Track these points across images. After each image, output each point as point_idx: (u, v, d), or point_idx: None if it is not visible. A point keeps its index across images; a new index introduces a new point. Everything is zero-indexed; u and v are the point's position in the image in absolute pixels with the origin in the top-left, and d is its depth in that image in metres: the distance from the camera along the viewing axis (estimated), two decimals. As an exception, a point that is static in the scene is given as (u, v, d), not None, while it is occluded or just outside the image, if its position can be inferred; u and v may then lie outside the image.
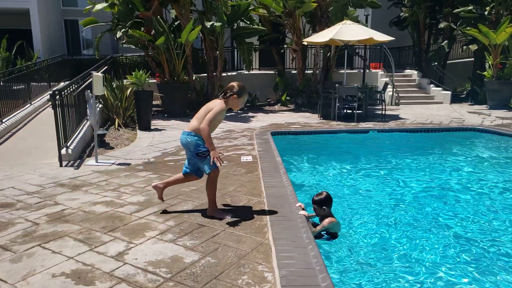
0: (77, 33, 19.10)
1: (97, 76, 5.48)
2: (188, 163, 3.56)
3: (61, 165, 5.39)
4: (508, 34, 11.16)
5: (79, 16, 17.23)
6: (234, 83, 3.46)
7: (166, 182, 3.69)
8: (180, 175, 3.64)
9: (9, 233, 3.20)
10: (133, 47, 11.26)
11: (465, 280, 2.89)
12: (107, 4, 10.79)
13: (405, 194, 4.86)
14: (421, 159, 6.46)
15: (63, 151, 5.58)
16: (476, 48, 13.10)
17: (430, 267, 3.05)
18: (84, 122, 7.33)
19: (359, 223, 3.91)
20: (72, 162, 5.60)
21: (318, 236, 3.45)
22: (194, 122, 3.41)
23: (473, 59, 14.34)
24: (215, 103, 3.43)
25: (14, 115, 8.44)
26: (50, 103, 5.51)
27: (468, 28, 12.22)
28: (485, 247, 3.40)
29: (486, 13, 12.71)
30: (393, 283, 2.84)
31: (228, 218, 3.44)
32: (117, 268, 2.63)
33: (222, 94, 3.45)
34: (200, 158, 3.39)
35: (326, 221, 3.52)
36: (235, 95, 3.40)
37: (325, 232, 3.54)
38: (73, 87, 6.50)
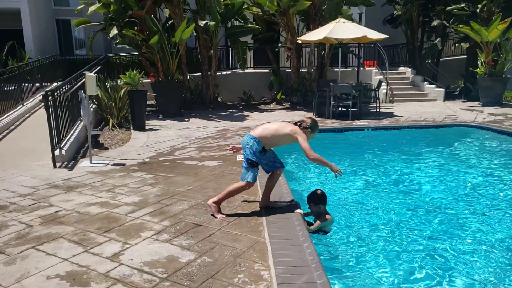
0: (70, 33, 18.92)
1: (90, 76, 5.44)
2: (262, 166, 3.59)
3: (54, 167, 5.34)
4: (499, 31, 11.25)
5: (71, 15, 17.07)
6: (309, 120, 3.55)
7: (264, 194, 3.64)
8: (267, 180, 3.66)
9: (2, 236, 3.16)
10: (127, 46, 11.19)
11: (464, 278, 2.91)
12: (100, 4, 10.70)
13: (401, 191, 4.89)
14: (415, 156, 6.50)
15: (57, 152, 5.53)
16: (467, 46, 13.19)
17: (426, 264, 3.07)
18: (78, 122, 7.27)
19: (355, 220, 3.92)
20: (66, 163, 5.56)
21: (313, 233, 3.45)
22: (264, 131, 3.47)
23: (465, 56, 14.44)
24: (292, 128, 3.46)
25: (6, 116, 8.35)
26: (42, 104, 5.46)
27: (461, 25, 12.30)
28: (486, 242, 3.43)
29: (478, 10, 12.80)
30: (390, 280, 2.85)
31: (222, 218, 3.45)
32: (112, 269, 2.62)
33: (298, 123, 3.55)
34: (248, 165, 3.44)
35: (322, 219, 3.53)
36: (309, 129, 3.50)
37: (320, 230, 3.55)
38: (66, 88, 6.45)
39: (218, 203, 3.53)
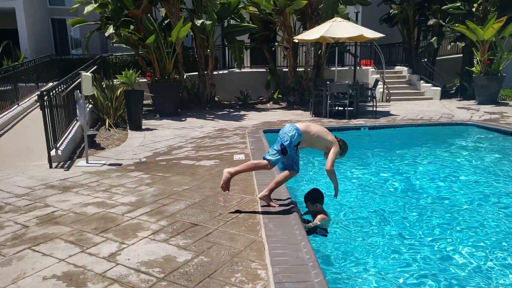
0: (65, 33, 18.83)
1: (86, 76, 5.42)
2: (282, 161, 3.61)
3: (50, 167, 5.32)
4: (495, 30, 11.30)
5: (67, 15, 16.99)
6: (342, 142, 3.65)
7: (268, 188, 3.63)
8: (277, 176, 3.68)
9: (-2, 236, 3.15)
10: (124, 46, 11.16)
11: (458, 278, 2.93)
12: (97, 4, 10.65)
13: (397, 189, 4.90)
14: (412, 154, 6.53)
15: (53, 152, 5.51)
16: (463, 44, 13.25)
17: (421, 262, 3.08)
18: (74, 122, 7.25)
19: (352, 218, 3.93)
20: (62, 163, 5.53)
21: (310, 232, 3.46)
22: (308, 128, 3.52)
23: (461, 55, 14.51)
24: (333, 137, 3.59)
25: (2, 117, 8.30)
26: (38, 104, 5.43)
27: (457, 24, 12.35)
28: (484, 239, 3.45)
29: (474, 9, 12.86)
30: (387, 279, 2.86)
31: (224, 189, 3.52)
32: (109, 269, 2.61)
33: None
34: (279, 149, 3.43)
35: (319, 217, 3.54)
36: (340, 150, 3.59)
37: (317, 228, 3.56)
38: (62, 87, 6.42)
39: (233, 174, 3.53)
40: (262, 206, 3.64)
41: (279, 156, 3.46)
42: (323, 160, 6.02)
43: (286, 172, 3.59)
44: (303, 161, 5.95)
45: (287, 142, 3.42)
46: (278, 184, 3.62)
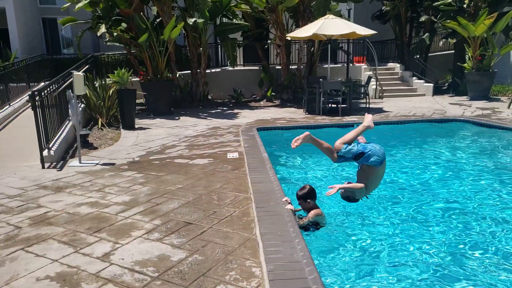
0: (56, 32, 18.63)
1: (78, 75, 5.38)
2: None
3: (43, 167, 5.28)
4: (486, 26, 11.39)
5: (58, 14, 16.81)
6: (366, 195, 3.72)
7: (313, 138, 3.65)
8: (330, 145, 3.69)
9: (-10, 238, 3.12)
10: (117, 44, 11.07)
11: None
12: (87, 1, 10.55)
13: (391, 186, 4.94)
14: (404, 150, 6.58)
15: (45, 152, 5.47)
16: (455, 41, 13.35)
17: (417, 260, 3.11)
18: (66, 122, 7.19)
19: (345, 215, 3.96)
20: (54, 163, 5.49)
21: (305, 228, 3.48)
22: (384, 165, 3.57)
23: (453, 51, 14.62)
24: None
25: (-7, 117, 8.22)
26: (30, 104, 5.39)
27: (448, 21, 12.43)
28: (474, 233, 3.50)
29: (465, 5, 12.95)
30: (381, 275, 2.89)
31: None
32: (103, 269, 2.61)
33: None
34: (357, 152, 3.45)
35: (312, 213, 3.56)
36: (361, 196, 3.67)
37: (311, 224, 3.58)
38: (54, 87, 6.36)
39: (311, 140, 3.62)
40: (256, 203, 3.66)
41: (349, 156, 3.48)
42: (319, 161, 6.07)
43: (333, 149, 3.60)
44: (304, 161, 5.99)
45: (368, 155, 3.41)
46: (320, 144, 3.65)
